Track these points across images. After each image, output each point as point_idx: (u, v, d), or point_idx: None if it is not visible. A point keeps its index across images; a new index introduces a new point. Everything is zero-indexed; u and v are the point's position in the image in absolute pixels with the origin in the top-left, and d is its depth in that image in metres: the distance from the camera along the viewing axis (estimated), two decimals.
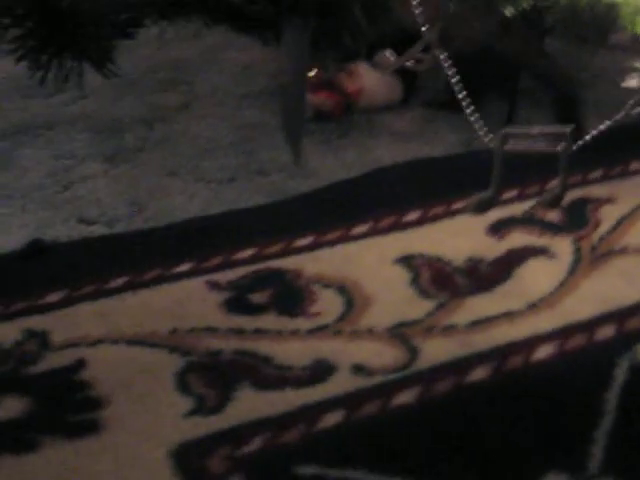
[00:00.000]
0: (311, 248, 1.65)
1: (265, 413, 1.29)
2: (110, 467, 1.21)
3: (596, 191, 1.80)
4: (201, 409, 1.30)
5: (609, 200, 1.77)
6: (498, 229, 1.69)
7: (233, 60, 2.34)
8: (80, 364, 1.37)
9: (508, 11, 1.46)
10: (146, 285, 1.53)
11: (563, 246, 1.65)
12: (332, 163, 1.90)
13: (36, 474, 1.20)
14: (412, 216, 1.73)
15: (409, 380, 1.35)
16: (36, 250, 1.59)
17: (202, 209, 1.77)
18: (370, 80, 2.07)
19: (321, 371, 1.37)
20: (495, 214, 1.72)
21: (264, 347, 1.41)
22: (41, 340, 1.42)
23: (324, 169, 1.88)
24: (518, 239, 1.67)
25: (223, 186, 1.83)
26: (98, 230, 1.71)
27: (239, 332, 1.44)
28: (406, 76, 2.06)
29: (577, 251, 1.63)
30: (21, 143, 1.96)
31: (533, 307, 1.49)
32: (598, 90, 2.10)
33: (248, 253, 1.62)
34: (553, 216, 1.73)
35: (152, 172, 1.88)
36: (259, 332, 1.44)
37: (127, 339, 1.42)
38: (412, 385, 1.34)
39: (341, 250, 1.64)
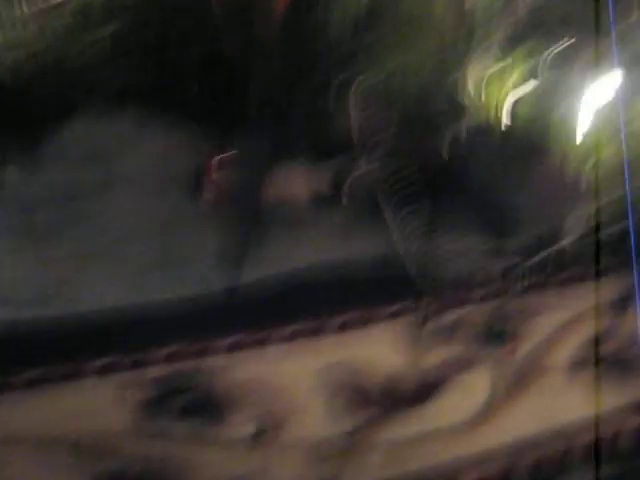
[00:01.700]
0: (239, 348, 1.58)
1: None
2: None
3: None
4: None
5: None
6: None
7: (148, 147, 2.28)
8: None
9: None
10: (56, 383, 1.44)
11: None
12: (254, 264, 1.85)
13: None
14: (335, 323, 1.69)
15: None
16: None
17: (118, 299, 1.69)
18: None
19: None
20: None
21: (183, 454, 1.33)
22: None
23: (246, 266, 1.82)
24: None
25: (140, 277, 1.76)
26: None
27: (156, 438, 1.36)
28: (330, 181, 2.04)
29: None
30: None
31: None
32: None
33: (167, 351, 1.55)
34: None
35: (66, 255, 1.79)
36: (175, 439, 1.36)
37: (31, 443, 1.33)
38: None
39: (272, 352, 1.58)
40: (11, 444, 1.30)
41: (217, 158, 2.08)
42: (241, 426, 1.40)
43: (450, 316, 1.74)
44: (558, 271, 1.87)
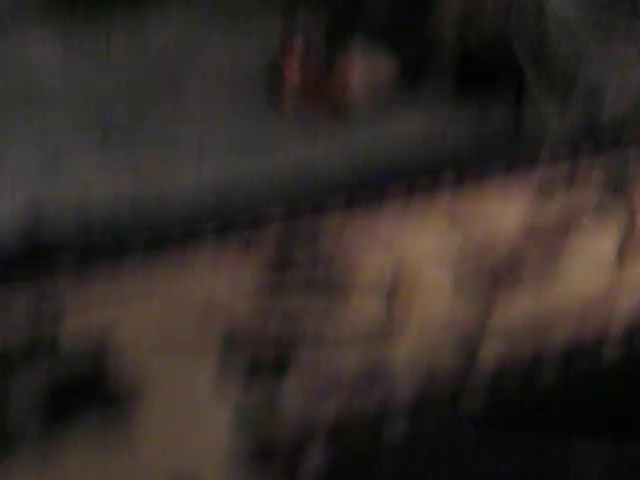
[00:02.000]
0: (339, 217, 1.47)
1: None
2: None
3: None
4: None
5: None
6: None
7: (218, 53, 2.18)
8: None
9: None
10: (166, 265, 1.33)
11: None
12: (339, 141, 1.74)
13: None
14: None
15: None
16: (31, 233, 1.39)
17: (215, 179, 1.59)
18: (363, 70, 1.92)
19: None
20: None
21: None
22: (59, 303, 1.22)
23: (319, 158, 1.71)
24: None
25: (223, 159, 1.66)
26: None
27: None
28: (408, 66, 1.93)
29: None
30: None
31: None
32: None
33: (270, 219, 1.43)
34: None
35: (151, 148, 1.69)
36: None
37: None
38: None
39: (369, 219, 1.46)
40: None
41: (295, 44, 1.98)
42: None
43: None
44: None
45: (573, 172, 1.59)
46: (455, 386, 1.11)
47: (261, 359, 1.11)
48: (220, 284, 1.25)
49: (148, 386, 1.07)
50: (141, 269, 1.28)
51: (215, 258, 1.30)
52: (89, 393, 1.08)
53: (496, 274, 1.34)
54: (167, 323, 1.18)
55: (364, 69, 1.92)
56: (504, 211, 1.49)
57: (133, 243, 1.33)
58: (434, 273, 1.33)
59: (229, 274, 1.27)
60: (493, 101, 1.87)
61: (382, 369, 1.11)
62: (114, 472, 0.97)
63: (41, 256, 1.31)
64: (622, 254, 1.41)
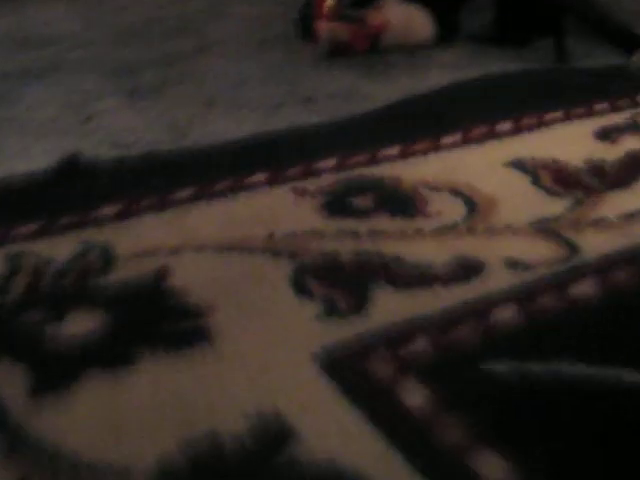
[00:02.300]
0: (402, 157, 1.38)
1: (419, 312, 1.00)
2: (240, 375, 0.90)
3: None
4: (334, 312, 1.01)
5: None
6: (607, 135, 1.46)
7: (240, 13, 2.09)
8: (163, 272, 1.07)
9: None
10: (221, 195, 1.25)
11: None
12: (386, 89, 1.65)
13: (137, 391, 0.89)
14: (505, 126, 1.49)
15: (580, 272, 1.09)
16: (73, 168, 1.29)
17: (254, 133, 1.49)
18: (397, 15, 1.83)
19: (467, 268, 1.09)
20: (597, 123, 1.51)
21: (388, 247, 1.13)
22: (103, 252, 1.11)
23: (379, 94, 1.62)
24: (631, 143, 1.44)
25: (271, 112, 1.56)
26: (137, 153, 1.41)
27: (352, 234, 1.16)
28: (444, 14, 1.84)
29: None
30: (26, 83, 1.66)
31: None
32: None
33: (331, 163, 1.35)
34: None
35: (185, 103, 1.59)
36: (377, 233, 1.16)
37: (214, 246, 1.13)
38: (586, 276, 1.08)
39: (436, 158, 1.39)
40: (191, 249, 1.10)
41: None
42: (445, 216, 1.20)
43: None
44: None
45: None
46: None
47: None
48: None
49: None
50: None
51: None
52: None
53: None
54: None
55: (398, 22, 1.83)
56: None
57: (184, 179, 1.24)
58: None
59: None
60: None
61: None
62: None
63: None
64: None
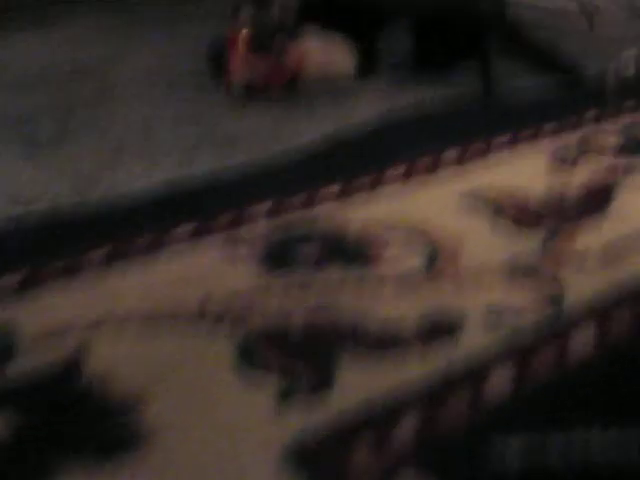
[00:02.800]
0: (344, 195, 1.22)
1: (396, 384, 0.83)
2: None
3: None
4: (295, 390, 0.83)
5: None
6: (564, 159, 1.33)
7: (146, 52, 1.91)
8: (78, 355, 0.87)
9: None
10: (140, 253, 1.05)
11: None
12: (312, 125, 1.48)
13: None
14: (451, 155, 1.33)
15: (570, 319, 0.93)
16: None
17: (170, 179, 1.30)
18: (317, 48, 1.68)
19: (441, 325, 0.93)
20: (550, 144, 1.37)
21: (347, 303, 0.96)
22: (4, 334, 0.91)
23: (305, 131, 1.46)
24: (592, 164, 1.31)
25: (187, 156, 1.38)
26: (40, 209, 1.22)
27: (302, 288, 0.98)
28: (364, 45, 1.70)
29: None
30: None
31: None
32: None
33: (265, 207, 1.17)
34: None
35: (90, 151, 1.40)
36: (330, 286, 0.99)
37: (138, 317, 0.93)
38: (577, 325, 0.93)
39: (383, 194, 1.22)
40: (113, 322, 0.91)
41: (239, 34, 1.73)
42: (402, 261, 1.03)
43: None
44: None
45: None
46: None
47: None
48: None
49: None
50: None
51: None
52: None
53: None
54: None
55: (318, 55, 1.68)
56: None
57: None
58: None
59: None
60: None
61: None
62: None
63: None
64: None
